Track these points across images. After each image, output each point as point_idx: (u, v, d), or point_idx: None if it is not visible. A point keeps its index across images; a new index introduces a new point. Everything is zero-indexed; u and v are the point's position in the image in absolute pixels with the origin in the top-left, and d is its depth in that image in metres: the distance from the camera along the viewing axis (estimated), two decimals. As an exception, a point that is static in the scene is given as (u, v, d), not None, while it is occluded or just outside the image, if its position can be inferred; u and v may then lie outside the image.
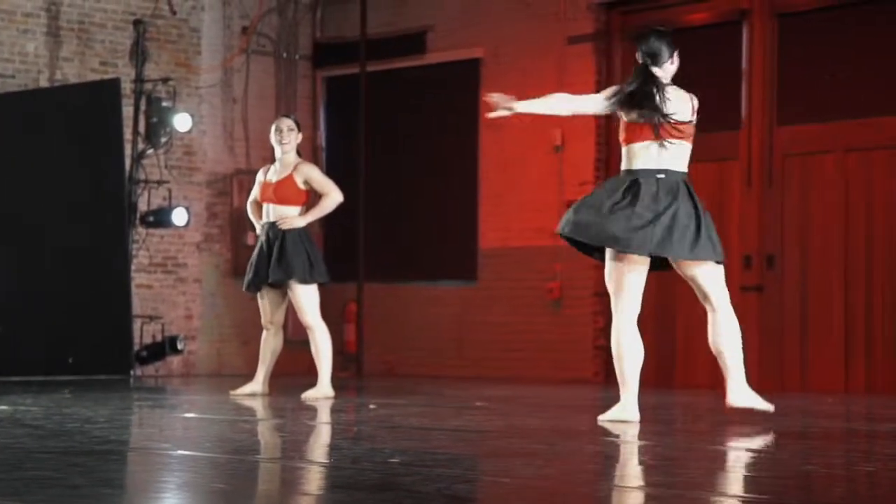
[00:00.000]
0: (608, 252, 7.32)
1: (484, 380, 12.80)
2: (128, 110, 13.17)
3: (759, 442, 6.51)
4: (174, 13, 13.98)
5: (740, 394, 7.43)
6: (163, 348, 13.36)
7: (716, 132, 11.65)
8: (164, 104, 13.30)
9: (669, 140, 7.26)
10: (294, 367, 12.67)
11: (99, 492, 4.45)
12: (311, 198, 9.96)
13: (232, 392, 9.99)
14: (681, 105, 7.34)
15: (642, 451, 6.11)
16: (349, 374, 14.17)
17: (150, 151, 13.35)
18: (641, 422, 7.24)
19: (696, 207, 7.24)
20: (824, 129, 11.97)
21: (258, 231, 10.05)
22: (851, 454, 6.22)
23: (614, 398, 7.43)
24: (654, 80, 7.32)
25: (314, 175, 9.93)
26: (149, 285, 13.79)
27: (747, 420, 7.37)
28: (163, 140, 13.32)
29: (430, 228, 14.18)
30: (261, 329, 10.07)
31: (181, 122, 13.32)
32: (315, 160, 14.10)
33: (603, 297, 11.82)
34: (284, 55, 14.89)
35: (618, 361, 7.33)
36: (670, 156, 7.29)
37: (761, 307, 12.10)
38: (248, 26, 14.58)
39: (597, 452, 6.08)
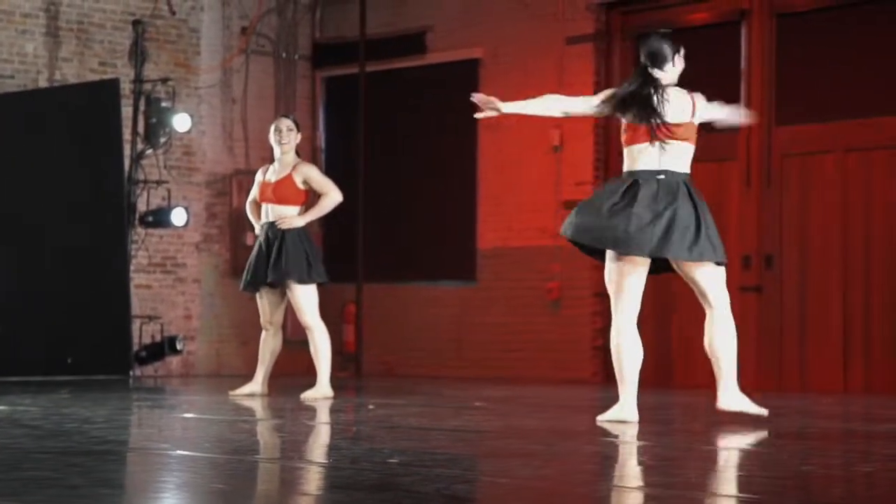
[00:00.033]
0: (608, 253, 7.32)
1: (483, 380, 12.79)
2: (127, 110, 13.17)
3: (757, 442, 6.51)
4: (173, 13, 13.98)
5: (732, 397, 7.43)
6: (162, 348, 13.36)
7: (715, 132, 11.63)
8: (164, 104, 13.29)
9: (665, 141, 7.26)
10: (293, 368, 12.67)
11: (97, 492, 4.46)
12: (311, 198, 9.96)
13: (231, 392, 9.99)
14: (680, 106, 7.34)
15: (641, 451, 6.11)
16: (348, 375, 14.16)
17: (149, 152, 13.35)
18: (640, 422, 7.24)
19: (696, 208, 7.24)
20: (823, 129, 11.97)
21: (257, 231, 10.05)
22: (850, 454, 6.22)
23: (613, 398, 7.43)
24: (653, 82, 7.32)
25: (313, 175, 9.93)
26: (148, 285, 13.78)
27: (746, 421, 7.37)
28: (162, 140, 13.33)
29: (429, 229, 14.18)
30: (260, 329, 10.07)
31: (180, 122, 13.32)
32: (314, 160, 14.09)
33: (602, 298, 11.82)
34: (284, 55, 14.89)
35: (617, 362, 7.33)
36: (671, 157, 7.29)
37: (760, 307, 12.10)
38: (248, 26, 14.58)
39: (595, 453, 6.08)
